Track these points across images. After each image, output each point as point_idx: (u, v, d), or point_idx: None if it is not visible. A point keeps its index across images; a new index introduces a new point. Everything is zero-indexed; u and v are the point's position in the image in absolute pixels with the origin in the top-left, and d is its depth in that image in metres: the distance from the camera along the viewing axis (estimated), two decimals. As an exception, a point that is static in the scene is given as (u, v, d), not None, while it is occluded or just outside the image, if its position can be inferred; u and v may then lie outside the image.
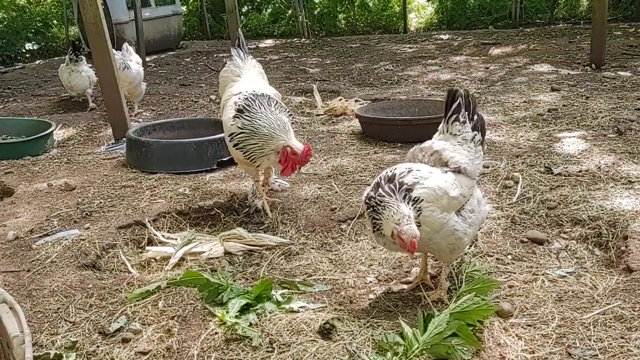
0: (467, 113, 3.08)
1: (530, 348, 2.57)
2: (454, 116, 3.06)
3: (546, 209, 4.04)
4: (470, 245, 3.61)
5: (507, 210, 4.08)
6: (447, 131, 3.11)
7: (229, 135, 4.05)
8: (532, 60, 9.86)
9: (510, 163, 4.92)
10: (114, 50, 6.29)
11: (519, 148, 5.35)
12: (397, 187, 2.80)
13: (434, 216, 2.82)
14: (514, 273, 3.30)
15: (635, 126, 5.71)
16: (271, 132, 3.90)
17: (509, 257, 3.50)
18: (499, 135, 5.77)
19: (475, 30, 14.44)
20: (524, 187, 4.39)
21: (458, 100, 3.06)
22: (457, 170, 2.99)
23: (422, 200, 2.79)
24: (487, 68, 9.45)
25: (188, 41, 15.22)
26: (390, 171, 2.93)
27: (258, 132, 3.91)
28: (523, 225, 3.89)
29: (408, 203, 2.76)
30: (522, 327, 2.73)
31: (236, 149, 4.03)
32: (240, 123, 3.95)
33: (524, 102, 7.02)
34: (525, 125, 6.05)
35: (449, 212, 2.89)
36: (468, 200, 3.01)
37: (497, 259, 3.47)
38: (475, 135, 3.09)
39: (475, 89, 7.91)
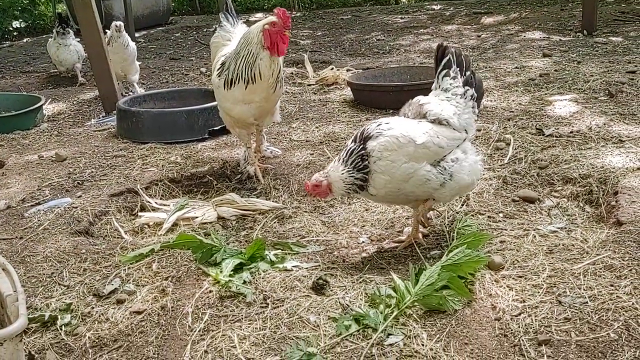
0: (458, 69, 3.10)
1: (521, 298, 2.60)
2: (445, 71, 3.08)
3: (537, 169, 4.05)
4: (462, 204, 3.63)
5: (498, 171, 4.09)
6: (439, 87, 3.14)
7: (218, 88, 4.01)
8: (524, 27, 9.80)
9: (502, 126, 4.92)
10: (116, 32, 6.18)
11: (510, 112, 5.35)
12: (358, 138, 2.98)
13: (393, 165, 2.90)
14: (506, 230, 3.31)
15: (626, 88, 5.71)
16: (247, 44, 3.81)
17: (501, 215, 3.52)
18: (491, 100, 5.76)
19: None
20: (515, 149, 4.40)
21: (448, 56, 3.07)
22: (438, 122, 3.01)
23: (376, 150, 2.91)
24: (479, 36, 9.40)
25: (177, 17, 15.03)
26: (368, 126, 3.05)
27: (238, 54, 3.84)
28: (515, 185, 3.91)
29: (363, 154, 2.92)
30: (513, 278, 2.75)
31: (234, 88, 3.87)
32: (223, 71, 3.95)
33: (516, 67, 7.00)
34: (517, 90, 6.04)
35: (418, 161, 2.94)
36: (450, 152, 3.03)
37: (488, 217, 3.49)
38: (467, 90, 3.09)
39: (467, 57, 7.88)
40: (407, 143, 2.90)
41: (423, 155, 2.94)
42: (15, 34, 13.23)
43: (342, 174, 2.95)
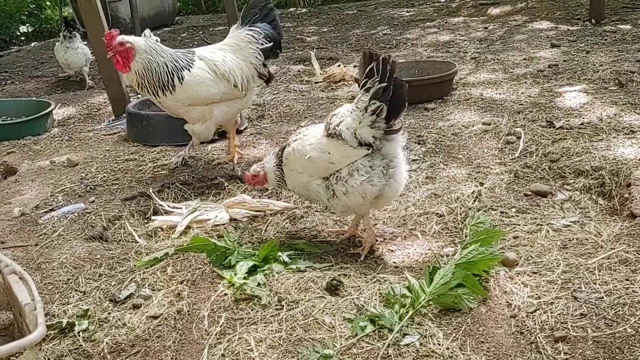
0: (378, 79, 2.78)
1: (536, 294, 2.59)
2: (365, 80, 2.83)
3: (549, 162, 4.04)
4: (474, 200, 3.62)
5: (509, 165, 4.08)
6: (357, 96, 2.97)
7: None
8: (531, 18, 9.73)
9: (512, 119, 4.90)
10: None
11: (520, 104, 5.32)
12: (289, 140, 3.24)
13: (292, 174, 3.20)
14: (519, 225, 3.31)
15: (636, 77, 5.66)
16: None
17: (513, 210, 3.51)
18: (500, 93, 5.74)
19: (473, -9, 14.20)
20: (526, 142, 4.38)
21: (372, 65, 2.80)
22: (335, 135, 2.96)
23: (284, 157, 3.20)
24: (486, 28, 9.34)
25: (183, 16, 15.05)
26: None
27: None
28: (526, 179, 3.90)
29: (280, 153, 3.24)
30: (527, 274, 2.75)
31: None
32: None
33: (524, 59, 6.96)
34: (525, 82, 6.01)
35: (310, 174, 3.10)
36: (343, 167, 2.98)
37: (501, 212, 3.48)
38: (373, 103, 2.80)
39: (475, 49, 7.84)
40: (300, 157, 3.10)
41: (313, 168, 3.08)
42: (22, 38, 13.31)
43: (273, 166, 3.28)
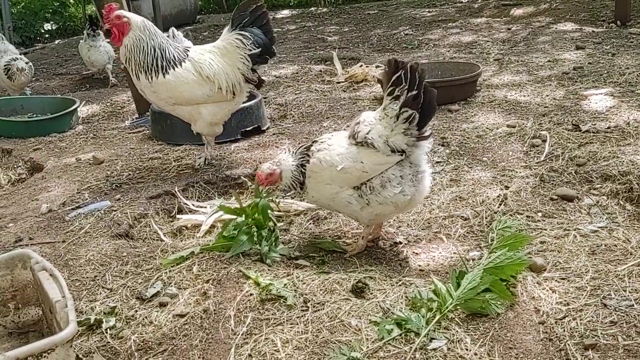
0: (407, 87, 2.81)
1: (565, 300, 2.57)
2: (391, 88, 2.87)
3: (575, 166, 3.99)
4: (500, 203, 3.59)
5: (535, 169, 4.04)
6: (383, 104, 2.99)
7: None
8: (555, 19, 9.63)
9: (537, 122, 4.86)
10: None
11: (545, 107, 5.27)
12: (310, 148, 3.14)
13: (319, 186, 3.09)
14: (545, 229, 3.28)
15: (664, 81, 5.58)
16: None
17: (539, 214, 3.48)
18: (525, 95, 5.69)
19: (495, -9, 14.09)
20: (552, 145, 4.34)
21: (399, 73, 2.81)
22: (365, 144, 2.95)
23: (308, 169, 3.09)
24: (510, 29, 9.26)
25: (204, 15, 15.14)
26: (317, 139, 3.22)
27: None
28: (552, 183, 3.86)
29: (302, 159, 3.13)
30: (555, 280, 2.72)
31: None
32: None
33: (549, 61, 6.89)
34: (550, 84, 5.95)
35: (340, 184, 3.03)
36: (376, 176, 2.97)
37: (527, 216, 3.45)
38: (405, 111, 2.84)
39: (498, 50, 7.78)
40: (329, 167, 3.02)
41: (345, 179, 3.01)
42: (46, 36, 13.48)
43: (292, 165, 3.15)
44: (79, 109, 6.34)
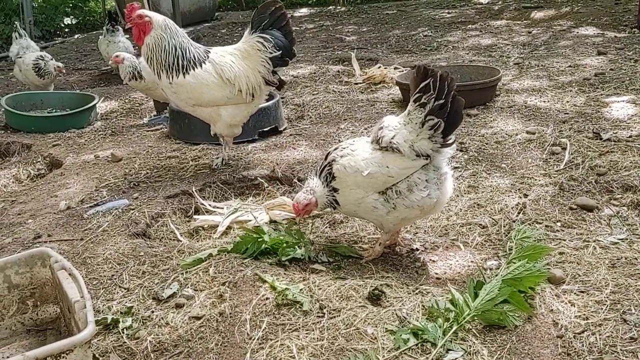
0: (434, 96, 2.81)
1: (584, 314, 2.54)
2: (417, 95, 2.87)
3: (595, 175, 3.95)
4: (518, 212, 3.56)
5: (554, 177, 4.00)
6: (408, 109, 2.97)
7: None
8: (576, 23, 9.53)
9: (557, 129, 4.81)
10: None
11: (565, 113, 5.22)
12: (324, 160, 3.15)
13: (346, 191, 3.07)
14: (564, 240, 3.24)
15: (688, 89, 5.50)
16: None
17: (558, 224, 3.45)
18: (544, 101, 5.63)
19: (515, -7, 13.97)
20: (571, 153, 4.30)
21: (428, 80, 2.81)
22: (390, 149, 2.94)
23: (335, 175, 3.08)
24: (530, 32, 9.18)
25: (223, 12, 15.19)
26: (335, 146, 3.20)
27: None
28: (572, 192, 3.81)
29: (327, 175, 3.10)
30: (574, 293, 2.69)
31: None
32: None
33: (569, 66, 6.82)
34: (571, 90, 5.88)
35: (366, 189, 3.01)
36: (401, 180, 2.97)
37: (546, 226, 3.42)
38: (430, 120, 2.84)
39: (518, 54, 7.71)
40: (354, 173, 3.01)
41: (370, 184, 3.00)
42: (66, 30, 13.59)
43: (325, 190, 3.14)
44: (97, 105, 6.38)
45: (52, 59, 7.09)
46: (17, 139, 5.60)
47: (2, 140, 5.59)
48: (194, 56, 4.20)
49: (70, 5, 14.13)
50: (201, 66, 4.20)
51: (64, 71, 7.09)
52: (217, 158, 4.57)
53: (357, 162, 3.01)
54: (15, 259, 2.77)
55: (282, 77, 4.48)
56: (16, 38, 7.45)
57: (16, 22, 7.77)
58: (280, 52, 4.27)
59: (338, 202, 3.13)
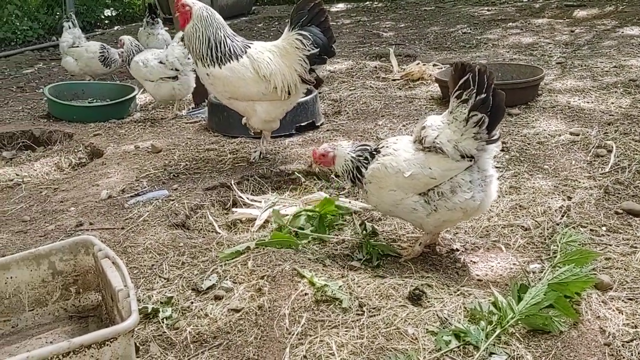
0: (475, 90, 2.75)
1: (633, 322, 2.46)
2: (458, 92, 2.81)
3: (643, 180, 3.83)
4: (562, 215, 3.48)
5: (599, 180, 3.90)
6: (449, 109, 2.91)
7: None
8: (621, 22, 9.27)
9: (602, 131, 4.69)
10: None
11: (610, 115, 5.08)
12: (373, 148, 3.12)
13: (381, 192, 3.03)
14: (610, 245, 3.16)
15: None
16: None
17: (604, 228, 3.35)
18: (588, 102, 5.50)
19: (557, -9, 13.68)
20: (617, 156, 4.18)
21: (467, 76, 2.76)
22: (434, 149, 2.88)
23: (368, 174, 3.05)
24: (572, 31, 8.97)
25: (260, 6, 15.24)
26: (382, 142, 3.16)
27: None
28: (617, 196, 3.71)
29: (359, 163, 3.10)
30: (622, 300, 2.62)
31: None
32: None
33: (614, 67, 6.64)
34: (616, 92, 5.73)
35: (405, 191, 2.96)
36: (444, 182, 2.91)
37: (590, 230, 3.33)
38: (474, 115, 2.78)
39: (561, 53, 7.55)
40: (395, 174, 2.96)
41: (411, 185, 2.95)
42: (106, 22, 13.80)
43: (348, 154, 3.13)
44: (137, 96, 6.46)
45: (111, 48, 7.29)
46: (59, 128, 5.71)
47: (44, 128, 5.70)
48: (230, 49, 4.21)
49: (111, -3, 14.37)
50: (238, 60, 4.20)
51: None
52: (255, 152, 4.58)
53: (398, 163, 2.96)
54: (60, 246, 2.81)
55: (319, 75, 4.45)
56: (69, 28, 7.53)
57: (71, 13, 7.90)
58: (319, 49, 4.24)
59: (364, 188, 3.10)
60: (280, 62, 4.27)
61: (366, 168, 3.09)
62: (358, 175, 3.12)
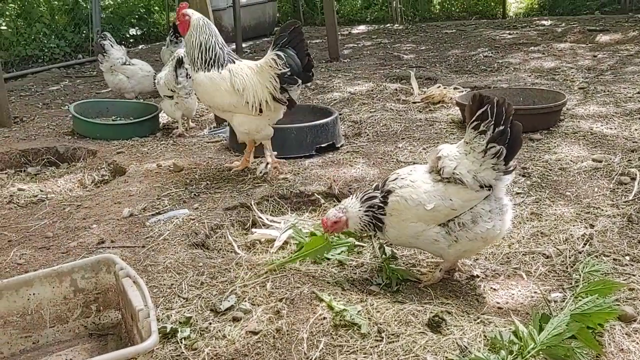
0: (493, 122, 2.78)
1: (658, 357, 2.42)
2: (476, 123, 2.83)
3: (668, 209, 3.78)
4: (585, 243, 3.44)
5: (622, 208, 3.85)
6: (465, 139, 2.92)
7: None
8: (644, 48, 9.22)
9: (626, 158, 4.64)
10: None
11: (633, 142, 5.03)
12: (380, 187, 3.09)
13: (401, 224, 3.00)
14: (634, 275, 3.11)
15: None
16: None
17: (627, 258, 3.31)
18: (611, 128, 5.45)
19: (579, 15, 13.65)
20: (641, 184, 4.13)
21: (485, 107, 2.78)
22: (453, 180, 2.87)
23: (388, 206, 3.01)
24: (595, 56, 8.93)
25: (281, 27, 15.39)
26: (391, 174, 3.14)
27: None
28: (641, 225, 3.66)
29: (380, 205, 3.04)
30: (647, 333, 2.57)
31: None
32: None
33: (638, 93, 6.58)
34: (639, 118, 5.67)
35: (427, 222, 2.94)
36: (464, 212, 2.91)
37: (614, 259, 3.29)
38: (492, 147, 2.80)
39: (583, 78, 7.51)
40: (415, 206, 2.94)
41: (432, 217, 2.94)
42: (131, 40, 14.05)
43: (359, 211, 3.09)
44: (160, 115, 6.55)
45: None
46: (83, 145, 5.81)
47: (69, 145, 5.80)
48: (216, 55, 4.45)
49: (136, 16, 14.61)
50: (219, 70, 4.44)
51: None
52: (261, 164, 4.68)
53: (419, 195, 2.94)
54: (82, 264, 2.85)
55: (293, 97, 4.51)
56: (111, 46, 7.60)
57: (105, 33, 8.02)
58: (289, 69, 4.37)
59: (382, 229, 3.07)
60: (255, 78, 4.46)
61: (378, 219, 3.05)
62: (379, 224, 3.08)
